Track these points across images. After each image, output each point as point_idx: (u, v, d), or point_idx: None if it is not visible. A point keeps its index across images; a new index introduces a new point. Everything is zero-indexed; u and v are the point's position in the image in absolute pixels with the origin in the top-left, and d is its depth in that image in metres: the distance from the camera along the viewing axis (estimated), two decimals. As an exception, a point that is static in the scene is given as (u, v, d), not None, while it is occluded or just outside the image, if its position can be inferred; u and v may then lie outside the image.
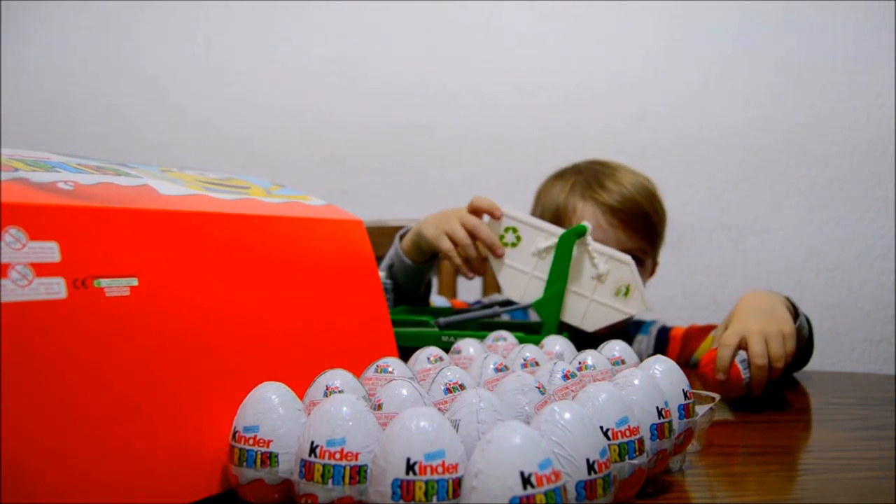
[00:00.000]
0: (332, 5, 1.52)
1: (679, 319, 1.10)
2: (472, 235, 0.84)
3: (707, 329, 0.97)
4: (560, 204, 1.00)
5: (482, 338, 0.67)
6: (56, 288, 0.39)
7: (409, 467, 0.36)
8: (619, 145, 1.46)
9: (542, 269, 0.81)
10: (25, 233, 0.38)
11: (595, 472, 0.38)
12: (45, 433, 0.36)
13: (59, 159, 0.51)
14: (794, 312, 0.79)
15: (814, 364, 0.85)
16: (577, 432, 0.38)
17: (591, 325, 0.80)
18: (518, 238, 0.82)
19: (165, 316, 0.45)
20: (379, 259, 0.79)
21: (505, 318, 0.95)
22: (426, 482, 0.36)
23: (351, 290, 0.63)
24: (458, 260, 0.85)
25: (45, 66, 1.53)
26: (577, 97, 1.50)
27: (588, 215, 0.96)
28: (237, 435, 0.43)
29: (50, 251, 0.39)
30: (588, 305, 0.80)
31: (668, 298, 1.46)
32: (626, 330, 1.06)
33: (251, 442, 0.42)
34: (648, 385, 0.47)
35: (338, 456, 0.39)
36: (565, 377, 0.51)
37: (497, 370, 0.54)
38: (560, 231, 0.80)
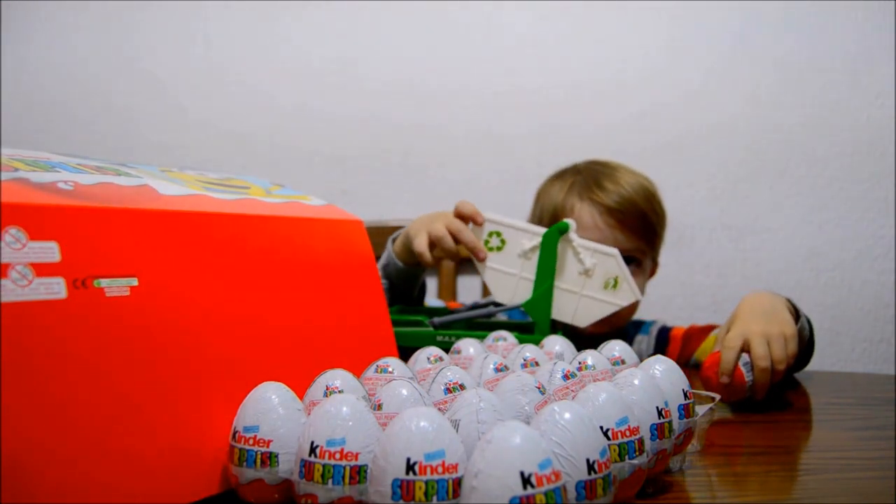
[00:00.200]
0: (333, 5, 1.52)
1: (679, 319, 1.10)
2: (456, 239, 0.84)
3: (707, 329, 0.97)
4: (558, 204, 1.00)
5: (479, 337, 0.67)
6: (56, 288, 0.39)
7: (409, 467, 0.36)
8: (619, 145, 1.46)
9: (529, 270, 0.81)
10: (25, 233, 0.38)
11: (595, 472, 0.38)
12: (45, 433, 0.36)
13: (59, 159, 0.51)
14: (796, 314, 0.79)
15: (814, 364, 0.85)
16: (577, 432, 0.38)
17: (583, 320, 0.80)
18: (503, 241, 0.82)
19: (165, 316, 0.45)
20: (376, 260, 0.79)
21: (502, 317, 0.95)
22: (426, 482, 0.36)
23: (351, 290, 0.63)
24: (427, 257, 0.85)
25: (46, 65, 1.53)
26: (577, 97, 1.50)
27: (585, 215, 0.97)
28: (237, 435, 0.43)
29: (50, 251, 0.39)
30: (578, 301, 0.80)
31: (668, 298, 1.46)
32: (626, 330, 1.06)
33: (251, 442, 0.42)
34: (648, 385, 0.47)
35: (338, 456, 0.39)
36: (565, 377, 0.51)
37: (497, 370, 0.54)
38: (542, 230, 0.80)
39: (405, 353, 0.64)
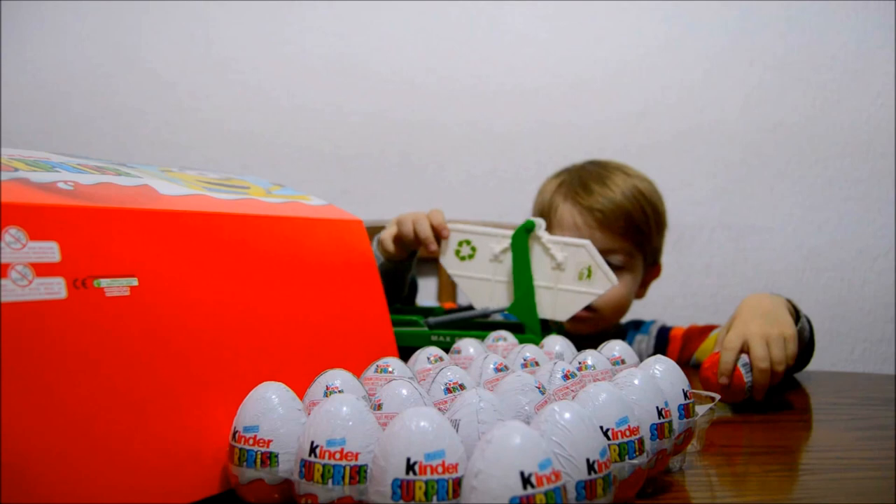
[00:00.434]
0: (333, 5, 1.52)
1: (679, 319, 1.10)
2: (417, 235, 0.86)
3: (707, 329, 0.97)
4: (545, 203, 1.04)
5: (474, 337, 0.67)
6: (56, 288, 0.39)
7: (409, 467, 0.36)
8: (619, 144, 1.46)
9: (503, 273, 0.82)
10: (25, 233, 0.38)
11: (595, 472, 0.38)
12: (45, 433, 0.36)
13: (60, 159, 0.51)
14: (796, 315, 0.79)
15: (814, 364, 0.85)
16: (577, 432, 0.38)
17: (563, 313, 0.81)
18: (473, 249, 0.83)
19: (165, 316, 0.45)
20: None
21: (498, 317, 0.95)
22: (426, 482, 0.36)
23: (351, 290, 0.63)
24: (388, 245, 0.89)
25: (46, 65, 1.52)
26: (577, 96, 1.50)
27: (566, 215, 0.99)
28: (237, 435, 0.43)
29: (50, 251, 0.39)
30: (555, 295, 0.80)
31: (668, 298, 1.46)
32: (626, 330, 1.06)
33: (251, 442, 0.42)
34: (648, 385, 0.47)
35: (338, 456, 0.39)
36: (565, 377, 0.51)
37: (497, 370, 0.54)
38: (510, 232, 0.81)
39: (400, 353, 0.64)
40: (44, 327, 0.38)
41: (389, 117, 1.51)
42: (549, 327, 0.83)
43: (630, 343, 1.02)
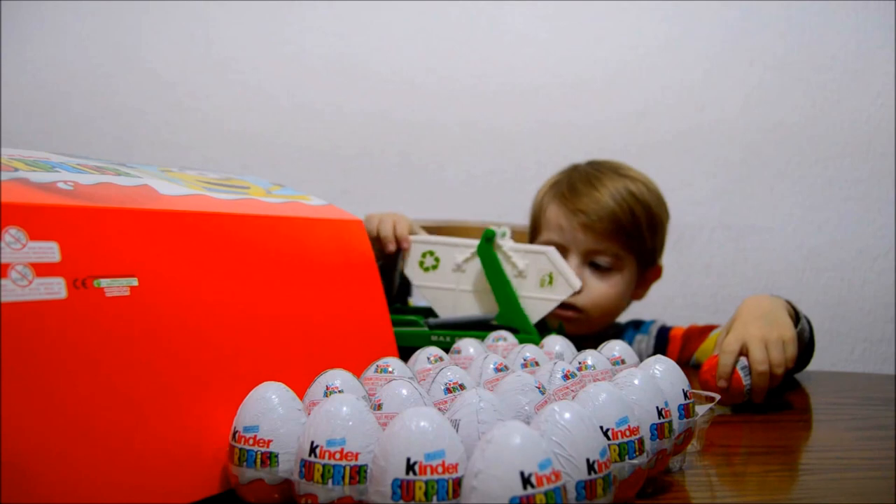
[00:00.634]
0: (333, 5, 1.52)
1: (679, 319, 1.09)
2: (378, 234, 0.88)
3: (707, 329, 0.97)
4: (537, 203, 1.05)
5: (479, 337, 0.67)
6: (56, 288, 0.39)
7: (410, 467, 0.36)
8: (619, 144, 1.46)
9: (466, 282, 0.83)
10: (25, 233, 0.38)
11: (595, 472, 0.38)
12: (45, 433, 0.36)
13: (60, 159, 0.51)
14: (795, 316, 0.79)
15: (814, 364, 0.85)
16: (577, 432, 0.38)
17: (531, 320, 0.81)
18: (437, 259, 0.84)
19: (165, 316, 0.45)
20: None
21: None
22: (426, 482, 0.36)
23: (351, 290, 0.63)
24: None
25: (46, 65, 1.52)
26: (577, 95, 1.50)
27: (552, 215, 1.00)
28: (237, 435, 0.43)
29: (50, 251, 0.39)
30: (521, 304, 0.81)
31: (668, 298, 1.46)
32: (625, 330, 1.06)
33: (251, 442, 0.42)
34: (648, 385, 0.47)
35: (338, 456, 0.39)
36: (565, 377, 0.51)
37: (497, 370, 0.54)
38: (473, 243, 0.82)
39: (400, 353, 0.64)
40: (44, 327, 0.38)
41: (389, 117, 1.51)
42: (547, 327, 0.83)
43: (630, 343, 1.01)
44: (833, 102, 1.47)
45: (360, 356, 0.58)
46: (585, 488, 0.37)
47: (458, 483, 0.36)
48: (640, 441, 0.43)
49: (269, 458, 0.42)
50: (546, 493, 0.34)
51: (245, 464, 0.42)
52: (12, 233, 0.38)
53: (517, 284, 0.81)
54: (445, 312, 0.84)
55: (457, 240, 0.84)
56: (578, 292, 0.83)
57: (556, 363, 0.52)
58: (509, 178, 1.49)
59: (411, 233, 0.90)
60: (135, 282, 0.43)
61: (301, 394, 0.46)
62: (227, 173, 0.68)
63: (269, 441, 0.42)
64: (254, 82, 1.53)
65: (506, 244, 0.81)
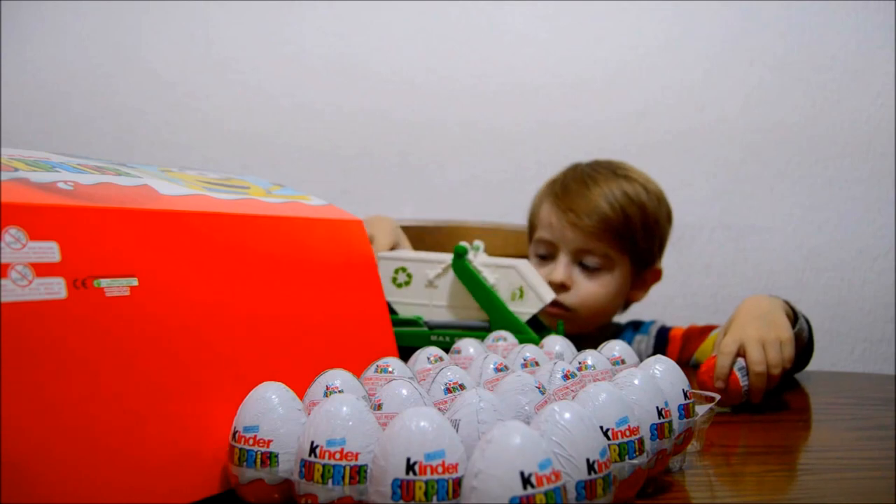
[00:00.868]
0: (333, 4, 1.52)
1: (679, 319, 1.09)
2: None
3: (707, 330, 0.97)
4: (535, 199, 1.07)
5: (479, 337, 0.67)
6: (56, 288, 0.39)
7: (410, 467, 0.36)
8: (619, 144, 1.46)
9: (439, 298, 0.83)
10: (25, 233, 0.38)
11: (595, 472, 0.38)
12: (45, 433, 0.36)
13: (60, 159, 0.51)
14: (794, 316, 0.79)
15: (814, 364, 0.85)
16: (577, 432, 0.38)
17: None
18: (409, 276, 0.84)
19: (165, 316, 0.45)
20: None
21: None
22: (426, 482, 0.36)
23: (351, 290, 0.63)
24: None
25: (46, 65, 1.52)
26: (577, 95, 1.50)
27: (545, 212, 1.02)
28: (237, 435, 0.43)
29: (50, 251, 0.39)
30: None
31: (668, 298, 1.46)
32: (624, 330, 1.06)
33: (251, 442, 0.42)
34: (648, 385, 0.47)
35: (338, 456, 0.39)
36: (565, 377, 0.51)
37: (497, 370, 0.54)
38: (446, 257, 0.82)
39: (400, 353, 0.64)
40: (44, 327, 0.38)
41: (389, 117, 1.51)
42: (543, 326, 0.83)
43: (629, 344, 1.01)
44: (833, 102, 1.47)
45: (360, 356, 0.58)
46: (585, 488, 0.37)
47: (458, 483, 0.36)
48: (640, 441, 0.43)
49: (269, 458, 0.42)
50: (546, 493, 0.34)
51: (245, 464, 0.42)
52: (12, 233, 0.38)
53: None
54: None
55: (428, 255, 0.84)
56: (559, 305, 0.81)
57: (556, 363, 0.52)
58: (509, 178, 1.49)
59: (393, 246, 0.90)
60: (135, 282, 0.43)
61: (301, 394, 0.46)
62: (227, 173, 0.68)
63: (269, 441, 0.42)
64: (254, 82, 1.53)
65: (476, 259, 0.82)
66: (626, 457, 0.42)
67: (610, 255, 0.97)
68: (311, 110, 1.52)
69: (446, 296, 0.82)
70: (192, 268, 0.48)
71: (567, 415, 0.39)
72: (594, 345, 0.60)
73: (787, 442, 0.63)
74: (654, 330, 1.04)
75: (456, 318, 0.82)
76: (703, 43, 1.49)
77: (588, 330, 0.99)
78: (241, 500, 0.43)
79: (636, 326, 1.07)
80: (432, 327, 0.80)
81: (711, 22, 1.49)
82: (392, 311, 0.86)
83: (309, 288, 0.58)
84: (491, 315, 0.79)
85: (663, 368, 0.50)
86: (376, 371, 0.53)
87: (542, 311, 0.81)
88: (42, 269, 0.38)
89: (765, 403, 0.72)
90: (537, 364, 0.57)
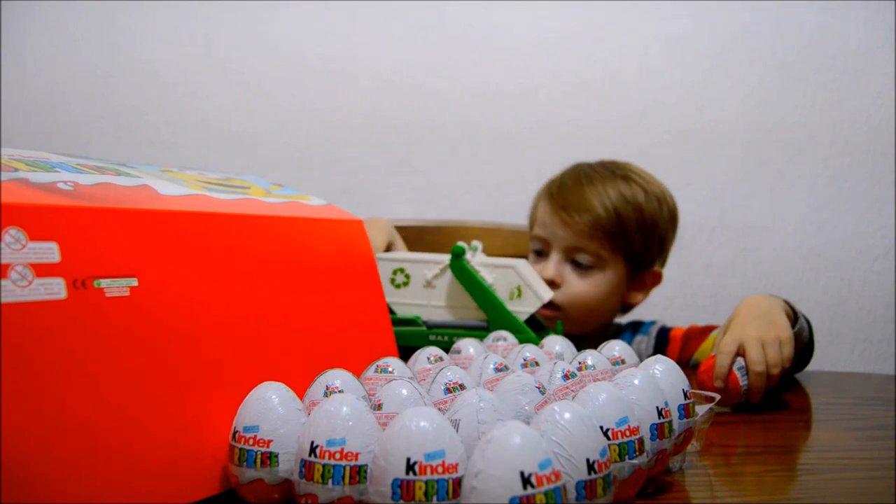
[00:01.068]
0: (333, 5, 1.52)
1: (679, 319, 1.09)
2: None
3: (707, 330, 0.97)
4: (536, 196, 1.08)
5: (479, 337, 0.67)
6: (56, 288, 0.39)
7: (409, 467, 0.36)
8: (619, 144, 1.46)
9: (437, 298, 0.83)
10: (25, 233, 0.38)
11: (595, 472, 0.38)
12: (45, 433, 0.36)
13: (59, 159, 0.51)
14: (794, 316, 0.79)
15: (814, 364, 0.85)
16: (577, 432, 0.38)
17: None
18: (407, 277, 0.84)
19: (165, 316, 0.45)
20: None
21: None
22: (426, 482, 0.36)
23: (351, 290, 0.63)
24: None
25: (46, 65, 1.52)
26: (577, 96, 1.50)
27: (540, 211, 1.03)
28: (237, 435, 0.43)
29: (50, 251, 0.39)
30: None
31: (668, 298, 1.46)
32: (624, 331, 1.06)
33: (251, 442, 0.42)
34: (648, 385, 0.47)
35: (338, 456, 0.39)
36: (565, 377, 0.51)
37: (497, 370, 0.54)
38: (444, 258, 0.82)
39: (400, 353, 0.64)
40: (44, 327, 0.38)
41: (389, 117, 1.51)
42: (541, 326, 0.83)
43: (629, 344, 1.01)
44: (833, 102, 1.47)
45: (360, 356, 0.58)
46: (585, 488, 0.37)
47: (458, 483, 0.36)
48: (640, 441, 0.43)
49: (269, 458, 0.42)
50: (546, 493, 0.34)
51: (245, 464, 0.42)
52: (12, 233, 0.38)
53: None
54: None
55: (426, 255, 0.85)
56: (549, 304, 0.83)
57: (556, 363, 0.52)
58: (509, 179, 1.49)
59: (388, 247, 0.90)
60: (135, 282, 0.43)
61: (301, 394, 0.47)
62: (227, 173, 0.68)
63: (270, 441, 0.42)
64: (254, 82, 1.52)
65: (474, 259, 0.82)
66: (626, 457, 0.42)
67: (602, 255, 0.97)
68: (311, 110, 1.52)
69: (444, 296, 0.83)
70: (192, 268, 0.48)
71: (567, 415, 0.39)
72: (594, 345, 0.61)
73: (787, 442, 0.63)
74: (654, 330, 1.04)
75: (454, 318, 0.82)
76: (703, 43, 1.49)
77: (586, 330, 0.99)
78: (241, 500, 0.43)
79: (636, 327, 1.06)
80: (430, 327, 0.80)
81: (711, 22, 1.48)
82: (391, 312, 0.86)
83: (309, 288, 0.58)
84: (489, 315, 0.79)
85: (663, 368, 0.50)
86: (376, 371, 0.53)
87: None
88: (42, 270, 0.38)
89: (764, 403, 0.72)
90: (537, 364, 0.57)
